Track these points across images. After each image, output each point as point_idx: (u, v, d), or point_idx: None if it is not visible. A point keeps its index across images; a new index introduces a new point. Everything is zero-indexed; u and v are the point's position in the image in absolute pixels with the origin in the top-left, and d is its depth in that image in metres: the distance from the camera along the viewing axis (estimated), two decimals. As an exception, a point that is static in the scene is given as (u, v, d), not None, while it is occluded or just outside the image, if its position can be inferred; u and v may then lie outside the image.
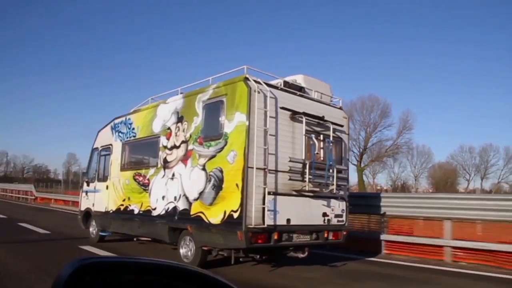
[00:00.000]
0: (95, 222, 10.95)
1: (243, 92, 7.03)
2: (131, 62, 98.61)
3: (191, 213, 7.71)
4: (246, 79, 7.12)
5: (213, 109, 7.70)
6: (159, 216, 8.53)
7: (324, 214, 7.96)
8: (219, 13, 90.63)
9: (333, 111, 8.44)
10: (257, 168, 6.88)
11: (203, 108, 7.80)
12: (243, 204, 6.74)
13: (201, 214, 7.49)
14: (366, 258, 9.64)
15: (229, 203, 6.95)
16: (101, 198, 10.71)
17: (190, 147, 7.96)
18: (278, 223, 7.04)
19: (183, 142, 8.18)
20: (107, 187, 10.52)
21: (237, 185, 6.86)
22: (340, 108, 8.82)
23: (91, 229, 11.22)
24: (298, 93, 7.91)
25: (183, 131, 8.21)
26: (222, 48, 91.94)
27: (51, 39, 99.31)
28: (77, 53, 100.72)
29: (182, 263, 7.88)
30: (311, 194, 7.63)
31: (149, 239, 9.55)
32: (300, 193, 7.52)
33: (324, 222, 7.94)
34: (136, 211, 9.29)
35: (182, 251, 8.01)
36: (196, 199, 7.63)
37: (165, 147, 8.64)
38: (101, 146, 11.15)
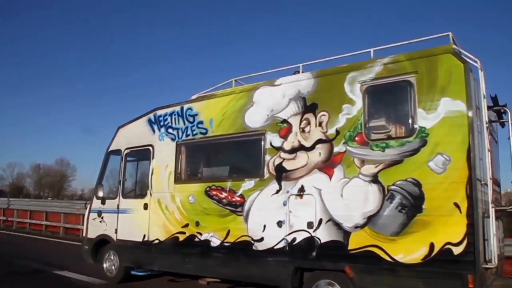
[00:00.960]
0: (120, 255, 7.64)
1: (455, 69, 4.76)
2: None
3: (351, 247, 5.13)
4: (455, 51, 4.86)
5: (388, 93, 5.30)
6: (271, 251, 5.76)
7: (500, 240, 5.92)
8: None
9: None
10: (479, 180, 4.68)
11: (365, 92, 5.31)
12: (473, 234, 4.43)
13: (374, 249, 4.96)
14: None
15: (440, 231, 4.60)
16: (133, 222, 7.47)
17: (338, 148, 5.39)
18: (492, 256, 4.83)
19: (320, 141, 5.57)
20: (145, 207, 7.33)
21: (456, 205, 4.53)
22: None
23: (106, 265, 7.89)
24: None
25: (319, 125, 5.61)
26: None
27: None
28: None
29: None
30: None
31: (214, 280, 6.64)
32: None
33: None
34: (215, 243, 6.35)
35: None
36: (360, 227, 5.09)
37: (278, 148, 5.93)
38: (129, 148, 7.90)
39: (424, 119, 4.85)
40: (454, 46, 4.90)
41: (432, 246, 4.60)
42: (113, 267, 7.78)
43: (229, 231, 6.21)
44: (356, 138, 5.27)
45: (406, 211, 4.81)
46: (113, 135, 8.23)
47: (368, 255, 4.98)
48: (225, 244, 6.22)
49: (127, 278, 7.64)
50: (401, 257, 4.78)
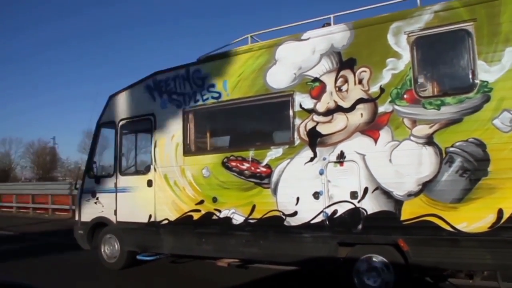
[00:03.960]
0: (121, 239, 6.86)
1: None
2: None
3: (404, 217, 4.61)
4: None
5: (441, 44, 4.69)
6: (307, 226, 5.17)
7: None
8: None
9: None
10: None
11: (413, 44, 4.69)
12: (551, 199, 3.98)
13: (431, 218, 4.47)
14: None
15: (510, 196, 4.12)
16: (135, 202, 6.68)
17: (384, 107, 4.79)
18: None
19: (361, 100, 4.94)
20: (149, 183, 6.53)
21: None
22: None
23: (105, 251, 7.10)
24: None
25: (359, 83, 4.97)
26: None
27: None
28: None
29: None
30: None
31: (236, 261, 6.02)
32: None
33: None
34: (238, 220, 5.69)
35: (364, 283, 4.86)
36: (414, 194, 4.56)
37: (310, 110, 5.26)
38: (124, 120, 7.00)
39: (486, 72, 4.30)
40: None
41: (500, 212, 4.14)
42: (113, 252, 6.99)
43: (254, 206, 5.55)
44: (405, 96, 4.67)
45: (469, 175, 4.32)
46: (104, 105, 7.27)
47: (424, 226, 4.48)
48: (250, 220, 5.58)
49: (130, 264, 6.88)
50: (464, 226, 4.31)
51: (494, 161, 4.20)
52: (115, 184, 6.91)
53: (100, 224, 7.11)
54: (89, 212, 7.21)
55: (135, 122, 6.88)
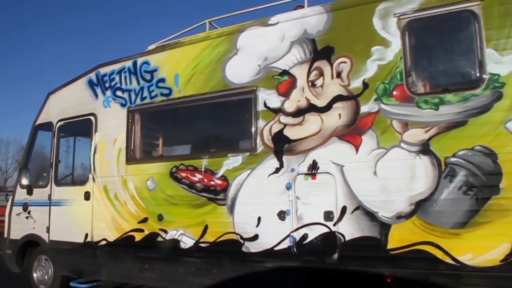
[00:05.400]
0: (54, 261, 5.75)
1: None
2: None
3: (391, 245, 3.63)
4: None
5: (440, 28, 3.78)
6: (271, 253, 4.14)
7: None
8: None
9: None
10: None
11: (405, 28, 3.76)
12: None
13: (427, 247, 3.53)
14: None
15: None
16: (70, 217, 5.60)
17: (367, 107, 3.84)
18: None
19: (340, 98, 3.98)
20: (87, 196, 5.45)
21: None
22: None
23: (37, 275, 6.06)
24: None
25: (337, 76, 4.01)
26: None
27: None
28: None
29: None
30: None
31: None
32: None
33: None
34: (187, 243, 4.64)
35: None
36: (405, 216, 3.61)
37: (277, 110, 4.28)
38: (62, 120, 5.93)
39: (496, 64, 3.41)
40: None
41: None
42: (46, 276, 5.91)
43: (206, 227, 4.52)
44: (395, 93, 3.73)
45: (475, 193, 3.39)
46: (42, 104, 6.20)
47: (418, 256, 3.53)
48: (201, 244, 4.54)
49: (65, 292, 5.76)
50: (468, 258, 3.38)
51: (507, 175, 3.29)
52: (49, 196, 5.81)
53: (31, 242, 5.98)
54: (19, 229, 6.10)
55: (74, 123, 5.80)
